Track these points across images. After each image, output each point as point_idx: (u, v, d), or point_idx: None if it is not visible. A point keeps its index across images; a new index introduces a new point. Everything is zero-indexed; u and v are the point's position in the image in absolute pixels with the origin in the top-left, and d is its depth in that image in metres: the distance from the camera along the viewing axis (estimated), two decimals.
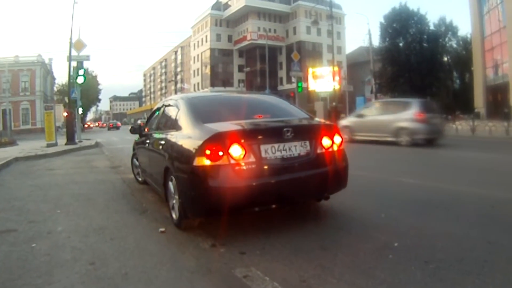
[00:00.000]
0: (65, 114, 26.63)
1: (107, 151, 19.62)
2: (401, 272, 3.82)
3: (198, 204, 5.04)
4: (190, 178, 5.03)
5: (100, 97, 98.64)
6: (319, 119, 6.61)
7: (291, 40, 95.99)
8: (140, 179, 9.27)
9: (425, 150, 15.17)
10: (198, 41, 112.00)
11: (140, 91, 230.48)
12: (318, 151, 5.47)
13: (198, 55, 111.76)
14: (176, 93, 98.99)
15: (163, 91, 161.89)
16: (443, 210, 5.99)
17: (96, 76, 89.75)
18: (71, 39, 25.24)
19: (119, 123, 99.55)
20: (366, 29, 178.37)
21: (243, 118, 5.71)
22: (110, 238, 5.11)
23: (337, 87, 40.48)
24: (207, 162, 4.80)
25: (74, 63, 26.07)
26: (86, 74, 27.86)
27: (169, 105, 7.20)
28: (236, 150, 4.83)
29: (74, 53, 25.49)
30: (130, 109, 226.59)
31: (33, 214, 6.57)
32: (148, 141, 7.66)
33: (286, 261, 4.18)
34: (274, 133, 5.21)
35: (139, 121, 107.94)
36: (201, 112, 5.86)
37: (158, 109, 8.06)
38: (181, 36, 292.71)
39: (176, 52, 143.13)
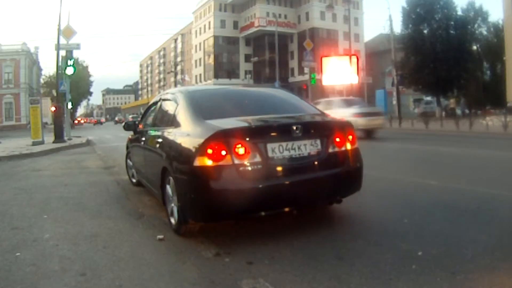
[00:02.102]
0: (53, 108, 26.66)
1: (100, 150, 19.71)
2: (425, 284, 3.79)
3: (199, 208, 5.07)
4: (190, 179, 5.07)
5: (91, 90, 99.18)
6: (331, 116, 6.54)
7: (303, 27, 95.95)
8: (134, 180, 9.40)
9: (447, 149, 15.14)
10: (200, 28, 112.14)
11: (136, 83, 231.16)
12: (330, 150, 5.51)
13: (200, 44, 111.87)
14: (175, 85, 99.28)
15: (162, 83, 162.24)
16: (472, 215, 5.98)
17: (87, 67, 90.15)
18: (59, 25, 25.28)
19: (102, 119, 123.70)
20: (386, 15, 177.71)
21: (248, 114, 5.78)
22: (102, 247, 5.11)
23: (354, 78, 40.37)
24: (208, 162, 4.84)
25: (62, 52, 26.14)
26: (76, 64, 27.88)
27: (167, 99, 7.25)
28: (240, 149, 4.87)
29: (63, 41, 25.59)
30: (125, 103, 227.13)
31: (17, 220, 6.59)
32: (143, 138, 7.75)
33: (298, 272, 4.16)
34: (282, 131, 5.26)
35: (116, 117, 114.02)
36: (202, 107, 5.93)
37: (155, 103, 8.12)
38: (182, 22, 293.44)
39: (175, 40, 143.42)
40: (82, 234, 5.67)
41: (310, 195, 5.37)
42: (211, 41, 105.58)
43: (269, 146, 5.03)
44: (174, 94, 6.92)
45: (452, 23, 47.61)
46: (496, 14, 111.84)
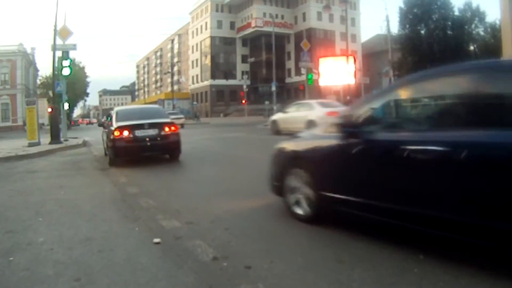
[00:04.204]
0: (50, 109, 26.50)
1: (96, 151, 19.56)
2: None
3: (113, 153, 13.46)
4: (111, 143, 13.33)
5: (88, 90, 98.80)
6: (170, 119, 15.18)
7: (300, 27, 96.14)
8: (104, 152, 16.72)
9: None
10: (197, 29, 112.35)
11: (133, 84, 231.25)
12: (162, 133, 13.57)
13: (197, 44, 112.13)
14: (172, 86, 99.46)
15: (158, 84, 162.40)
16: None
17: (83, 68, 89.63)
18: (55, 26, 25.09)
19: (93, 120, 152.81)
20: (383, 15, 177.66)
21: (136, 119, 13.63)
22: (98, 251, 5.03)
23: (351, 79, 40.28)
24: (116, 136, 12.95)
25: (59, 53, 26.00)
26: (73, 65, 27.78)
27: (110, 113, 16.00)
28: (125, 133, 12.97)
29: (59, 41, 25.40)
30: (122, 104, 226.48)
31: (11, 223, 6.54)
32: (105, 130, 15.69)
33: (298, 276, 4.09)
34: (141, 126, 13.26)
35: (103, 119, 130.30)
36: (119, 117, 14.08)
37: (109, 113, 17.08)
38: (178, 23, 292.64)
39: (172, 41, 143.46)
40: (77, 237, 5.60)
41: (154, 150, 13.85)
42: (208, 42, 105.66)
43: (136, 131, 13.12)
44: (113, 110, 15.63)
45: (449, 23, 47.74)
46: (493, 15, 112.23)
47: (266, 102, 71.41)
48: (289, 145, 6.60)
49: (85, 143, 25.33)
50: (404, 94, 5.45)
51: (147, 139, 13.35)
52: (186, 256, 4.74)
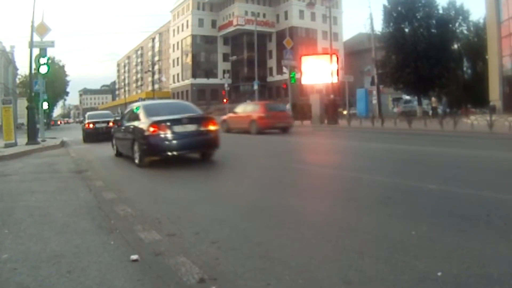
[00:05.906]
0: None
1: (74, 152, 19.31)
2: None
3: (84, 136, 28.01)
4: (83, 131, 28.57)
5: (68, 89, 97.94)
6: (114, 118, 24.90)
7: (282, 26, 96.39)
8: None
9: (437, 149, 14.75)
10: (178, 27, 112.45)
11: (113, 83, 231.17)
12: (108, 126, 24.80)
13: (178, 43, 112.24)
14: (153, 85, 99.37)
15: (139, 83, 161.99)
16: (485, 225, 5.42)
17: (63, 66, 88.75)
18: (33, 22, 24.44)
19: (70, 120, 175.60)
20: (364, 14, 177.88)
21: (95, 118, 28.46)
22: (67, 271, 4.36)
23: (334, 78, 39.92)
24: (86, 127, 27.76)
25: (37, 51, 25.42)
26: (52, 63, 27.76)
27: (86, 115, 31.69)
28: (90, 125, 27.59)
29: (36, 38, 24.80)
30: (102, 103, 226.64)
31: None
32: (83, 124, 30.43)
33: None
34: (98, 122, 27.66)
35: (77, 119, 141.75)
36: (88, 117, 29.54)
37: (85, 116, 32.68)
38: (159, 21, 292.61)
39: (153, 39, 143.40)
40: (44, 253, 4.94)
41: (105, 134, 23.25)
42: (188, 40, 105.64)
43: (96, 125, 27.38)
44: (86, 113, 33.24)
45: (434, 21, 47.80)
46: (476, 13, 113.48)
47: (248, 101, 71.39)
48: (113, 130, 16.89)
49: (63, 144, 24.95)
50: (126, 110, 16.66)
51: (102, 129, 26.05)
52: (168, 277, 4.12)
